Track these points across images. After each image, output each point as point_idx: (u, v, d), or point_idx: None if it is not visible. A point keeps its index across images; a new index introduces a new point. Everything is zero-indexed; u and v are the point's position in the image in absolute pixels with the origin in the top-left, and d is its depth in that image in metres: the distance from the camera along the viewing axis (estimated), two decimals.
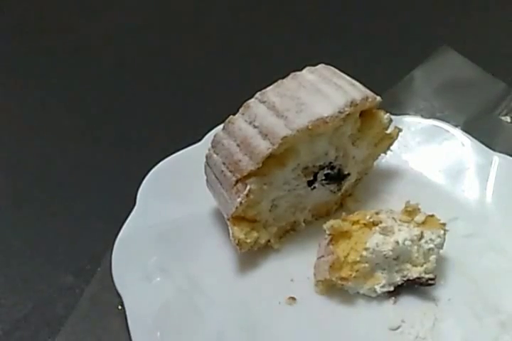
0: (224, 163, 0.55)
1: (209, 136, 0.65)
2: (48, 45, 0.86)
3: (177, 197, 0.62)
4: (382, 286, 0.56)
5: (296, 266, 0.58)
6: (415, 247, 0.55)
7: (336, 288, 0.56)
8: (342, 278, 0.55)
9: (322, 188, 0.59)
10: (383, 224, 0.55)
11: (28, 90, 0.80)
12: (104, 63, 0.83)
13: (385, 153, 0.63)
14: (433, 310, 0.55)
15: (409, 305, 0.56)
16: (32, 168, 0.71)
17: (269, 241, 0.59)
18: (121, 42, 0.86)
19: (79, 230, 0.64)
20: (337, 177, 0.59)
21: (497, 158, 0.65)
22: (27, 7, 0.93)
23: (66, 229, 0.64)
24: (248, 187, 0.53)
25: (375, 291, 0.56)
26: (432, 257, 0.56)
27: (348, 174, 0.60)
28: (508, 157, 0.65)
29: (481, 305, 0.55)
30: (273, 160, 0.54)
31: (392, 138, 0.62)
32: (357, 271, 0.55)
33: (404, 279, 0.56)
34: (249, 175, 0.53)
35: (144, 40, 0.87)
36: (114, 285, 0.56)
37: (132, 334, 0.53)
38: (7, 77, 0.82)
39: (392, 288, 0.56)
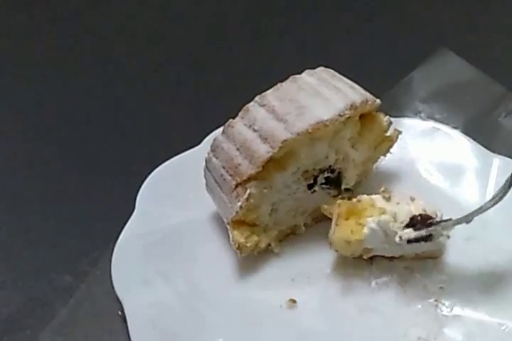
0: (224, 167, 0.55)
1: (208, 140, 0.65)
2: (48, 44, 0.86)
3: (176, 201, 0.62)
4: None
5: (297, 270, 0.58)
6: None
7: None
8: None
9: (322, 192, 0.59)
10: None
11: (27, 90, 0.80)
12: (103, 66, 0.83)
13: (384, 155, 0.63)
14: (436, 313, 0.55)
15: (411, 307, 0.56)
16: (32, 170, 0.71)
17: (269, 245, 0.59)
18: (121, 43, 0.86)
19: (79, 234, 0.64)
20: (337, 180, 0.59)
21: (497, 160, 0.64)
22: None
23: (66, 233, 0.64)
24: (248, 191, 0.53)
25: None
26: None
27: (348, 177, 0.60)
28: (508, 159, 0.65)
29: (483, 307, 0.55)
30: (273, 164, 0.54)
31: (391, 141, 0.62)
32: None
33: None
34: (249, 179, 0.53)
35: (144, 42, 0.87)
36: (113, 289, 0.56)
37: (133, 339, 0.53)
38: (6, 76, 0.82)
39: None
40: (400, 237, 0.55)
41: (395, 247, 0.56)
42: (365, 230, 0.55)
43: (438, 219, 0.56)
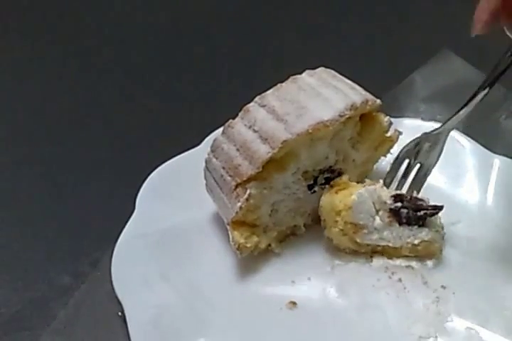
0: (224, 168, 0.55)
1: (208, 140, 0.65)
2: (48, 44, 0.86)
3: (176, 201, 0.62)
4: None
5: (297, 270, 0.58)
6: None
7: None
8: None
9: (322, 192, 0.59)
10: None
11: (28, 91, 0.80)
12: (103, 66, 0.83)
13: (385, 156, 0.63)
14: (437, 311, 0.55)
15: (414, 307, 0.56)
16: (32, 170, 0.70)
17: (269, 245, 0.59)
18: (121, 44, 0.86)
19: (79, 234, 0.64)
20: None
21: (498, 160, 0.65)
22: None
23: (66, 233, 0.64)
24: (248, 192, 0.53)
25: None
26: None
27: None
28: (509, 159, 0.65)
29: (484, 308, 0.55)
30: (273, 165, 0.54)
31: (392, 141, 0.62)
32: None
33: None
34: (249, 179, 0.53)
35: (144, 42, 0.87)
36: (113, 290, 0.56)
37: (133, 340, 0.53)
38: (7, 77, 0.82)
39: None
40: (388, 204, 0.56)
41: (387, 229, 0.57)
42: (354, 196, 0.55)
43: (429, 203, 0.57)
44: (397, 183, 0.61)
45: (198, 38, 0.86)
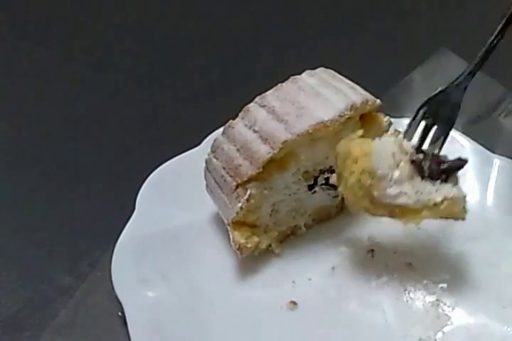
0: (224, 168, 0.55)
1: (208, 140, 0.65)
2: (49, 44, 0.86)
3: (176, 202, 0.62)
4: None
5: (298, 270, 0.58)
6: None
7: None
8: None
9: (322, 192, 0.59)
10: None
11: (28, 91, 0.80)
12: (103, 67, 0.83)
13: None
14: (437, 313, 0.55)
15: (414, 308, 0.56)
16: (32, 170, 0.70)
17: (269, 245, 0.59)
18: (120, 45, 0.86)
19: (79, 234, 0.64)
20: None
21: (497, 160, 0.65)
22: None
23: (66, 233, 0.64)
24: (249, 192, 0.53)
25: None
26: None
27: None
28: (509, 159, 0.65)
29: (485, 309, 0.55)
30: (273, 165, 0.54)
31: None
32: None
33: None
34: (250, 179, 0.53)
35: (143, 43, 0.87)
36: (113, 290, 0.56)
37: (133, 340, 0.53)
38: (6, 78, 0.82)
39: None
40: (409, 155, 0.51)
41: (407, 183, 0.51)
42: (373, 142, 0.51)
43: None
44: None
45: (198, 38, 0.86)
